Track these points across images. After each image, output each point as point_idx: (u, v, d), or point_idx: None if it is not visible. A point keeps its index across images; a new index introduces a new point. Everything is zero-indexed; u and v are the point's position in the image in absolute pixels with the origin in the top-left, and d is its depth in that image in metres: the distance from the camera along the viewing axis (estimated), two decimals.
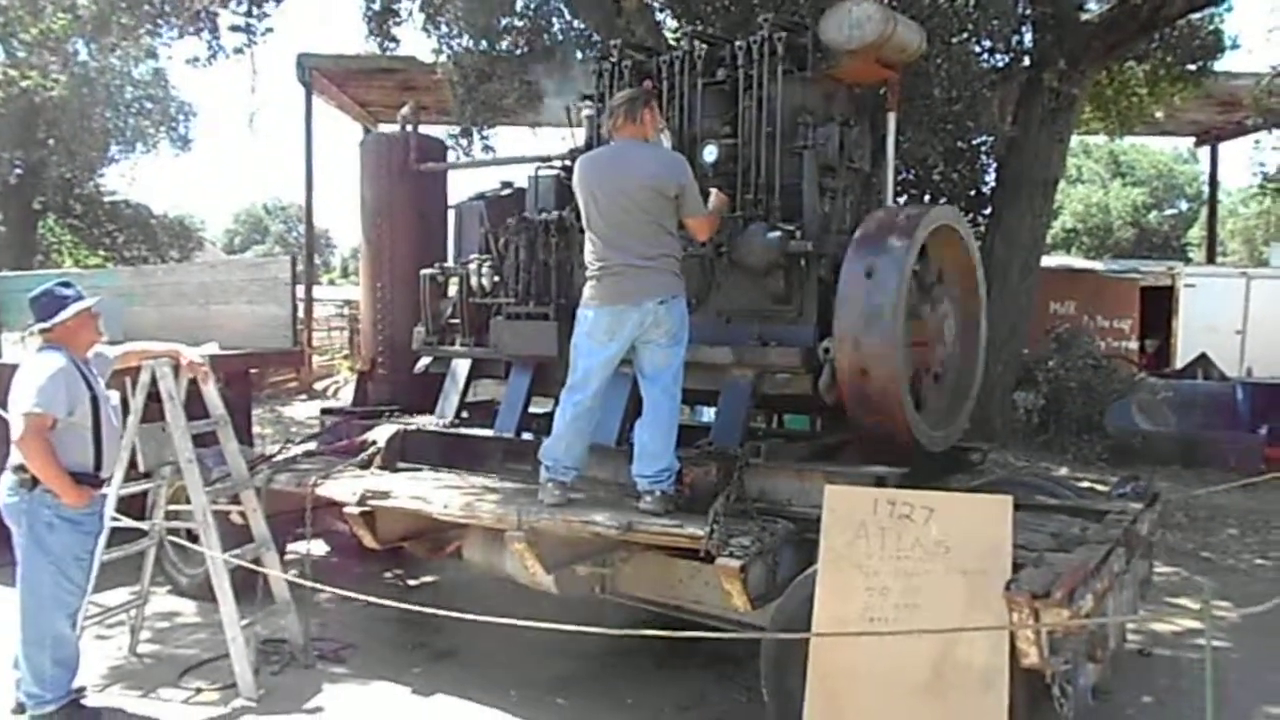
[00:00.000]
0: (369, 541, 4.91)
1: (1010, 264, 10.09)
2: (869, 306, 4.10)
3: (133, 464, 4.74)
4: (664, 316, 4.21)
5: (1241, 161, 58.92)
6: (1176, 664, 5.13)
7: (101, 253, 20.39)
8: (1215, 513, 8.34)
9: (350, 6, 22.51)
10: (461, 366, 5.74)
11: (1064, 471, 9.68)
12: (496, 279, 5.47)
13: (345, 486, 4.97)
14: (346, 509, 4.83)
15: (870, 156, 4.89)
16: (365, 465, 5.37)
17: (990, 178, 10.96)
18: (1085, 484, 9.21)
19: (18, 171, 16.81)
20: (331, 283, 38.92)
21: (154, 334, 9.98)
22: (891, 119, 4.86)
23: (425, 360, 5.95)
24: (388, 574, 6.73)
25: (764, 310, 4.62)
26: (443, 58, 9.73)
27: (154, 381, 4.71)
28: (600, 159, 4.30)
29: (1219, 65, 12.20)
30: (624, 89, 5.06)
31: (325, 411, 6.59)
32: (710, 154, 4.69)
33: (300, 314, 16.69)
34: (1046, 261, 16.33)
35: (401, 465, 5.45)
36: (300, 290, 17.43)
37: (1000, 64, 9.79)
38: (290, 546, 5.64)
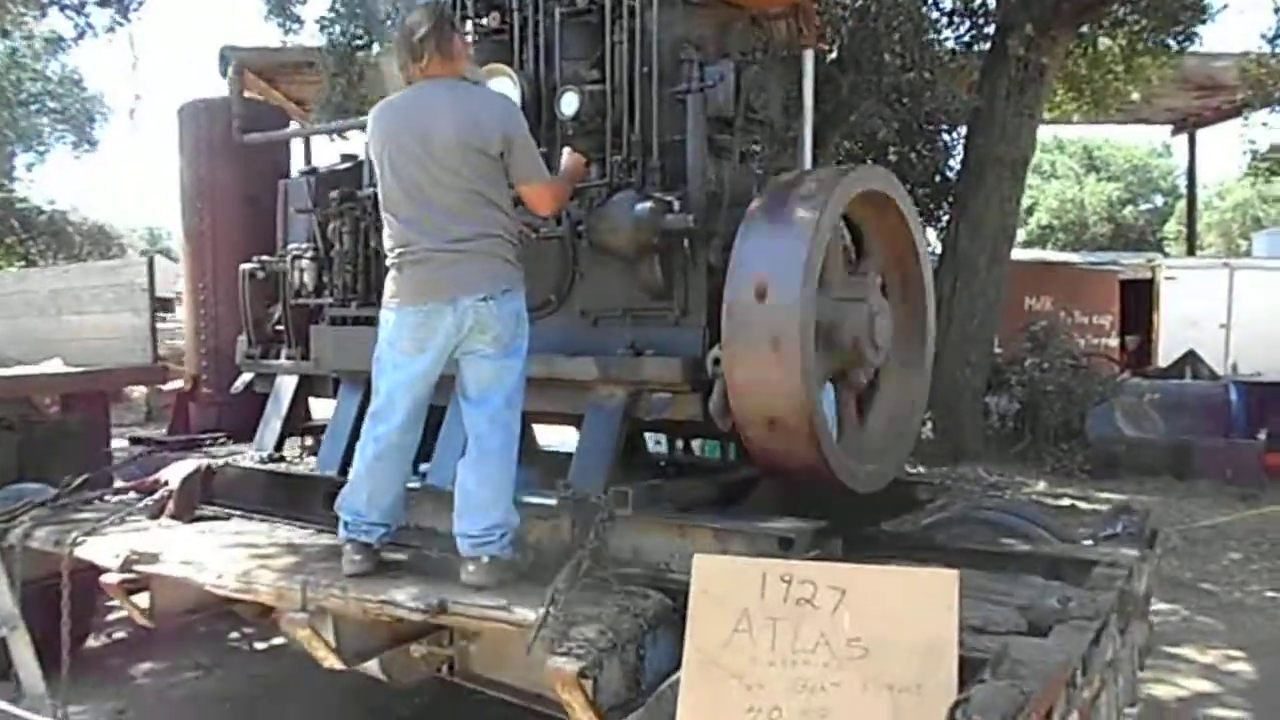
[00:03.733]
0: (139, 619, 3.75)
1: (977, 254, 9.07)
2: (765, 304, 2.99)
3: None
4: (489, 318, 3.09)
5: (1217, 153, 58.26)
6: None
7: (20, 263, 19.10)
8: (1215, 534, 7.29)
9: None
10: (286, 385, 4.59)
11: (1042, 486, 8.64)
12: (323, 274, 4.34)
13: (111, 546, 3.81)
14: (104, 577, 3.67)
15: (783, 107, 3.78)
16: (156, 513, 4.22)
17: (956, 161, 9.94)
18: (1066, 500, 8.21)
19: None
20: None
21: (2, 350, 8.78)
22: (808, 57, 3.77)
23: (246, 377, 4.81)
24: (235, 633, 5.59)
25: (639, 309, 3.51)
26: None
27: None
28: (396, 108, 3.17)
29: (1197, 46, 11.23)
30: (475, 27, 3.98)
31: (135, 441, 5.41)
32: (569, 104, 3.57)
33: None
34: (1021, 255, 15.38)
35: (208, 511, 4.32)
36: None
37: (961, 30, 8.74)
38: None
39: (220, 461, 4.44)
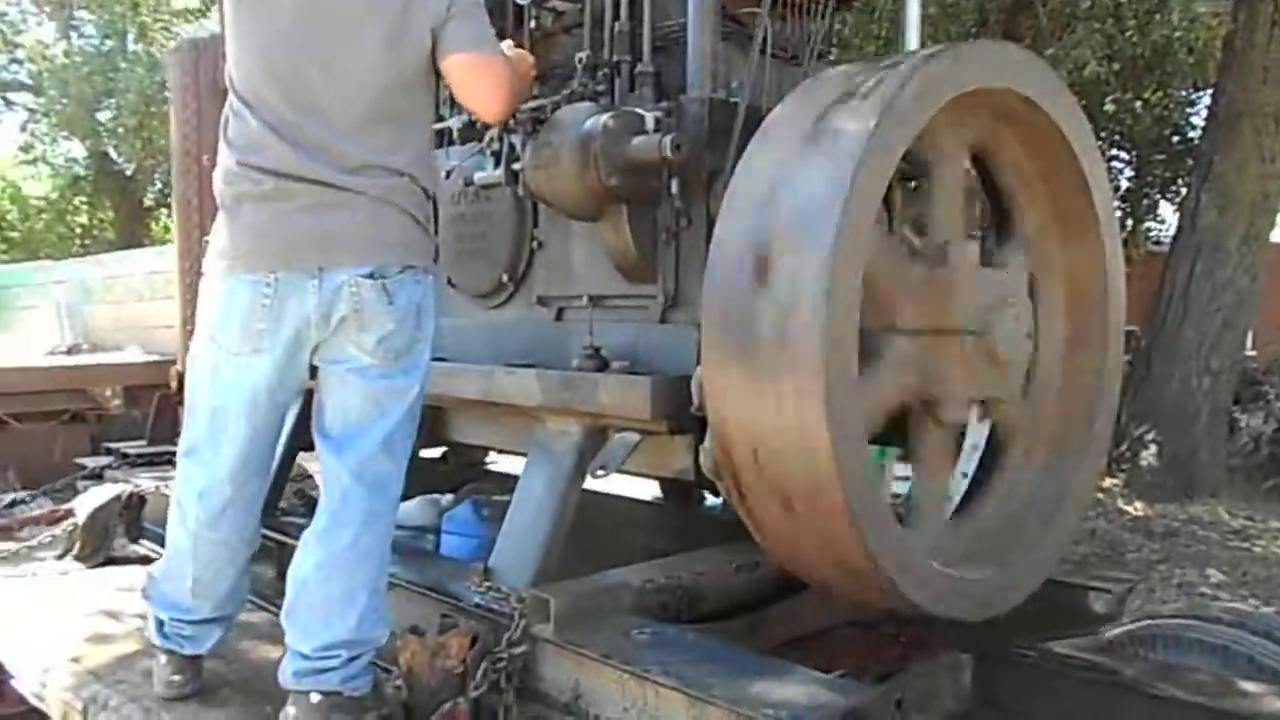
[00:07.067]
0: None
1: (1226, 232, 7.06)
2: (767, 287, 1.65)
3: None
4: (376, 308, 1.89)
5: None
6: None
7: None
8: None
9: None
10: None
11: None
12: None
13: None
14: None
15: None
16: (64, 552, 3.35)
17: (1199, 115, 7.91)
18: None
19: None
20: None
21: (110, 335, 8.49)
22: None
23: None
24: None
25: (610, 296, 2.23)
26: None
27: None
28: None
29: None
30: None
31: (107, 450, 4.60)
32: None
33: None
34: None
35: (140, 549, 3.42)
36: None
37: None
38: None
39: (152, 486, 3.50)
